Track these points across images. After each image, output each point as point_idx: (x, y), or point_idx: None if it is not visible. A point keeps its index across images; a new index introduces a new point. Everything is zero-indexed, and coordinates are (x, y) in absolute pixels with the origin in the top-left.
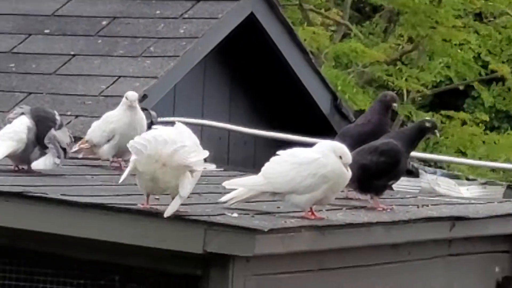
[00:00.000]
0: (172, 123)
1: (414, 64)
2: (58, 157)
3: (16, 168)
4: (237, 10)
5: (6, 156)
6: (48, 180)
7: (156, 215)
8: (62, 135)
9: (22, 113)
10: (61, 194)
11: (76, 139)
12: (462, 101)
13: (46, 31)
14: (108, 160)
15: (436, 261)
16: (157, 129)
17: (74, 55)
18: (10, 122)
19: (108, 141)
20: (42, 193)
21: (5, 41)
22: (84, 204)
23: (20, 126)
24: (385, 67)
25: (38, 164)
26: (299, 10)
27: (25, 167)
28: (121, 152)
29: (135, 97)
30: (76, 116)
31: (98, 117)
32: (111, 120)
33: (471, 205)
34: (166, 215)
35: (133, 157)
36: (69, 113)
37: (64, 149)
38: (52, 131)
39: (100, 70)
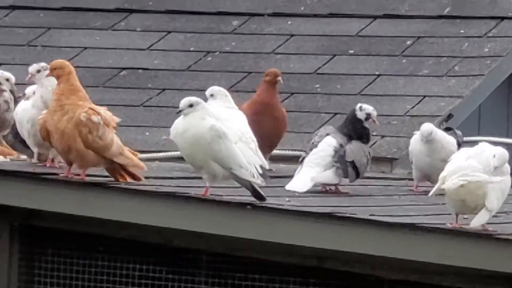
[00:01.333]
0: (476, 143)
1: None
2: (345, 176)
3: (324, 189)
4: None
5: None
6: (356, 200)
7: (466, 234)
8: (355, 151)
9: (327, 134)
10: (370, 215)
11: (381, 159)
12: None
13: (351, 51)
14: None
15: None
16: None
17: (378, 75)
18: (315, 146)
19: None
20: (351, 213)
21: (310, 62)
22: (393, 224)
23: (326, 149)
24: None
25: (320, 178)
26: None
27: (333, 188)
28: (423, 176)
29: (427, 133)
30: (382, 137)
31: (404, 137)
32: (411, 142)
33: None
34: (472, 225)
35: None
36: (374, 133)
37: (355, 167)
38: (347, 147)
39: (405, 90)
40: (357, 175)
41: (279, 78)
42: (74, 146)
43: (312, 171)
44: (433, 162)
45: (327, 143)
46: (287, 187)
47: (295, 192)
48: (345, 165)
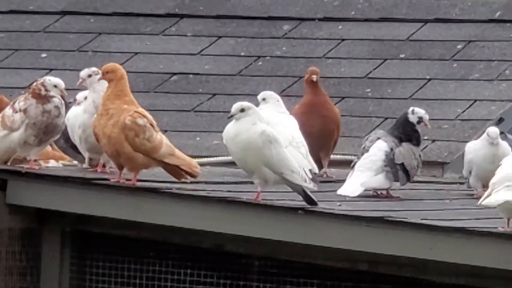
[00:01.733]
0: None
1: None
2: (396, 180)
3: (375, 194)
4: None
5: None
6: (407, 204)
7: None
8: (405, 154)
9: (378, 138)
10: (422, 219)
11: (432, 163)
12: None
13: (402, 55)
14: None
15: None
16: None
17: (429, 79)
18: (367, 151)
19: (470, 172)
20: (402, 217)
21: (361, 66)
22: (445, 228)
23: (377, 153)
24: None
25: (371, 183)
26: None
27: (384, 192)
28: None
29: (495, 134)
30: (433, 141)
31: (455, 141)
32: (469, 150)
33: None
34: None
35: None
36: (425, 137)
37: (406, 170)
38: (396, 150)
39: (455, 94)
40: (408, 178)
41: (314, 76)
42: (122, 150)
43: (363, 175)
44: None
45: (378, 148)
46: (339, 191)
47: (346, 196)
48: (395, 168)
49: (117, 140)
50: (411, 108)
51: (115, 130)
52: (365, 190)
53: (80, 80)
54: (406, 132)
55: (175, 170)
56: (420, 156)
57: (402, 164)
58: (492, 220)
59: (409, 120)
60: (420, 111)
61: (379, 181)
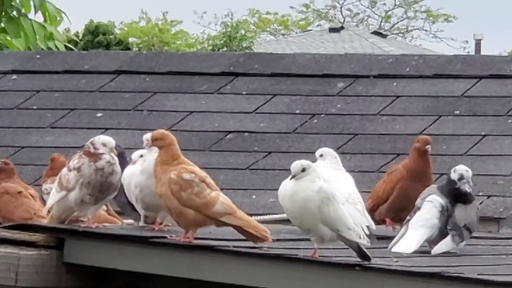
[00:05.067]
0: None
1: None
2: (462, 240)
3: (431, 249)
4: None
5: None
6: (463, 260)
7: None
8: (464, 214)
9: (430, 195)
10: (478, 274)
11: (487, 219)
12: None
13: (456, 112)
14: None
15: None
16: None
17: (484, 136)
18: (419, 209)
19: None
20: (459, 273)
21: (416, 123)
22: (502, 282)
23: (431, 211)
24: None
25: (439, 249)
26: None
27: None
28: None
29: None
30: (488, 196)
31: (510, 196)
32: None
33: None
34: None
35: None
36: (480, 193)
37: (468, 229)
38: (456, 211)
39: (510, 150)
40: (470, 234)
41: (428, 146)
42: (171, 205)
43: (418, 233)
44: None
45: (431, 205)
46: (394, 249)
47: (401, 253)
48: (460, 231)
49: (166, 196)
50: (453, 168)
51: (163, 188)
52: (421, 246)
53: (146, 142)
54: (451, 191)
55: (244, 232)
56: (477, 210)
57: (465, 225)
58: None
59: (451, 179)
60: (461, 169)
61: (447, 245)
